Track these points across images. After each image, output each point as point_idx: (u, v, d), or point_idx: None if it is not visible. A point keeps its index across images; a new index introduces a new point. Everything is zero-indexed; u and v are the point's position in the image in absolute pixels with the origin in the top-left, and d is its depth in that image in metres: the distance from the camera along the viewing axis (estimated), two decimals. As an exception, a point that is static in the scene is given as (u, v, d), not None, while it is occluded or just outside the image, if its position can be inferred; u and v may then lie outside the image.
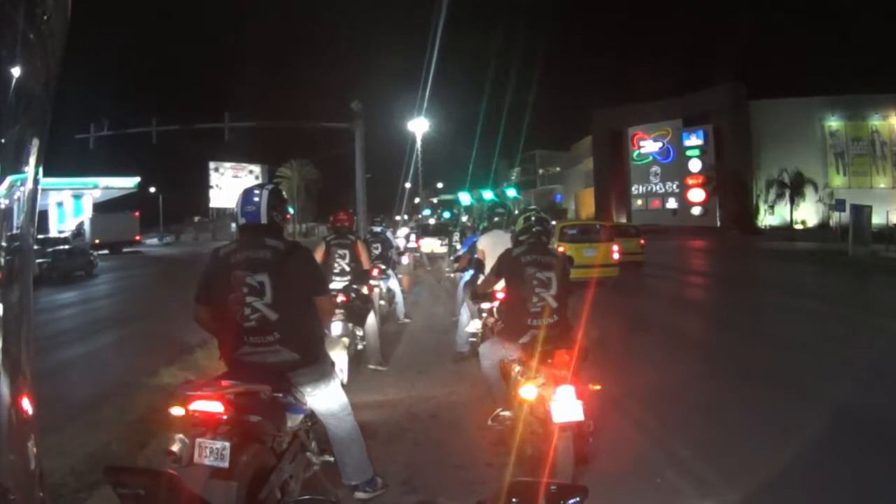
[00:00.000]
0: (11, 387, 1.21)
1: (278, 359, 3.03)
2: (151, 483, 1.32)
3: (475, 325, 6.73)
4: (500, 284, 4.66)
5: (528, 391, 3.68)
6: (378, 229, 10.78)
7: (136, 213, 44.17)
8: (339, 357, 3.95)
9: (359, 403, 4.45)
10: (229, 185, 73.56)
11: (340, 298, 6.02)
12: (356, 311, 6.45)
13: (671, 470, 4.09)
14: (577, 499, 1.21)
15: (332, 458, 3.43)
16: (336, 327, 5.87)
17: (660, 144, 59.14)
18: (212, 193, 73.37)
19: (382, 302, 9.55)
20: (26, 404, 1.21)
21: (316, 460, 3.45)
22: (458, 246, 14.94)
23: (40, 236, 45.30)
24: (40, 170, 1.39)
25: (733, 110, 50.39)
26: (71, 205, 47.69)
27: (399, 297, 9.91)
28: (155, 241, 60.86)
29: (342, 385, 3.57)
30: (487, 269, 5.42)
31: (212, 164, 72.43)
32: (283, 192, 3.39)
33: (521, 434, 3.86)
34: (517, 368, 4.10)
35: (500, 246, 5.28)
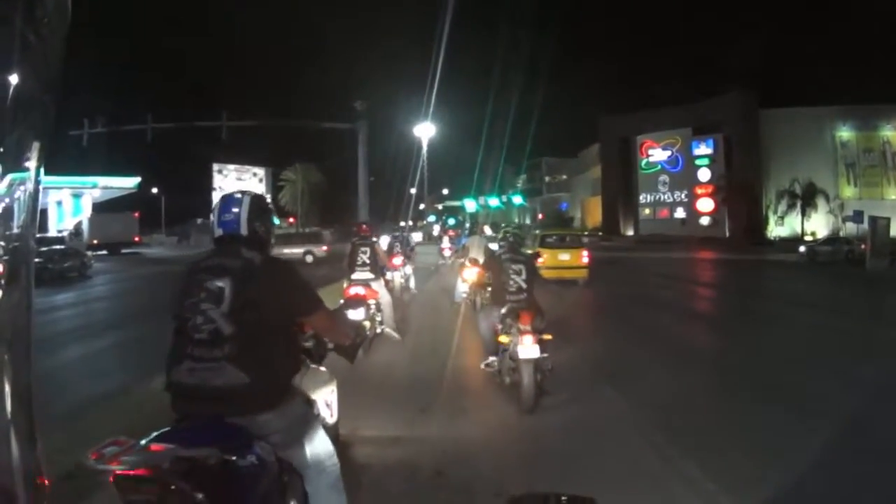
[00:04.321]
0: (13, 387, 1.28)
1: (222, 381, 2.29)
2: (164, 492, 1.32)
3: (463, 288, 12.08)
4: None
5: (505, 338, 5.97)
6: (400, 234, 16.03)
7: (137, 214, 43.59)
8: (325, 391, 3.26)
9: (381, 363, 7.33)
10: (232, 187, 72.46)
11: (362, 291, 8.18)
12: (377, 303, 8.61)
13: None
14: None
15: None
16: (358, 313, 7.20)
17: (669, 153, 58.57)
18: (214, 196, 70.68)
19: (402, 280, 13.49)
20: (28, 406, 1.28)
21: None
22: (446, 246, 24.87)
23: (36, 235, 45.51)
24: (41, 170, 1.49)
25: (744, 119, 49.88)
26: (70, 204, 47.19)
27: (412, 277, 14.65)
28: (163, 240, 60.20)
29: (330, 426, 2.97)
30: (473, 254, 12.06)
31: (215, 166, 71.48)
32: (268, 201, 2.94)
33: (501, 369, 6.00)
34: (500, 326, 6.17)
35: (477, 244, 12.91)
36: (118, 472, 1.86)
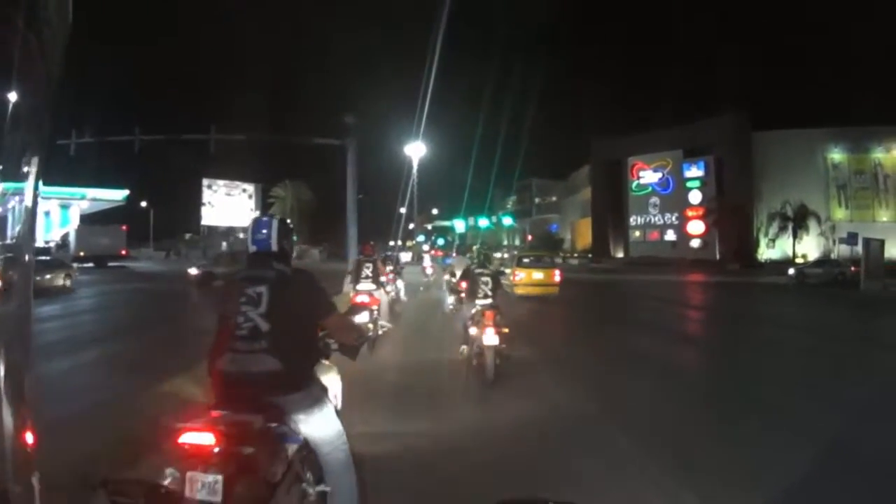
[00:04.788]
0: (12, 393, 1.34)
1: (261, 367, 2.92)
2: (150, 494, 1.38)
3: (451, 300, 14.08)
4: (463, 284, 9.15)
5: (474, 331, 7.82)
6: (391, 253, 20.59)
7: (125, 227, 43.00)
8: (333, 382, 3.83)
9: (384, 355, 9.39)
10: (222, 202, 73.07)
11: (366, 299, 10.14)
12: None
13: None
14: None
15: (328, 489, 3.25)
16: (363, 317, 7.54)
17: (659, 175, 58.77)
18: (204, 210, 72.41)
19: (393, 294, 14.54)
20: (26, 410, 1.33)
21: (312, 491, 3.24)
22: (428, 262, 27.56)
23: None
24: (40, 181, 1.51)
25: (735, 141, 50.12)
26: (58, 215, 46.59)
27: (403, 289, 16.20)
28: (151, 254, 59.44)
29: (337, 412, 3.47)
30: (458, 273, 12.36)
31: (205, 181, 71.61)
32: (289, 222, 3.56)
33: (469, 354, 7.97)
34: (470, 322, 8.09)
35: (460, 263, 15.92)
36: (185, 429, 2.47)
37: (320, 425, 3.18)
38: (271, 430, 2.88)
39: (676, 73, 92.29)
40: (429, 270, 25.59)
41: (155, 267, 44.19)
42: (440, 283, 20.38)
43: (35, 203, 1.49)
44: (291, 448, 3.06)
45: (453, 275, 14.89)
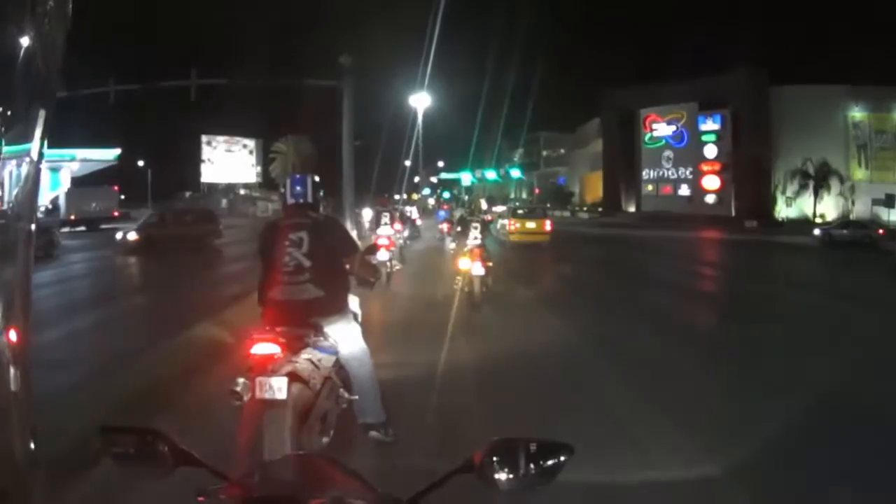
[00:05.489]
0: (14, 363, 1.41)
1: (307, 296, 3.68)
2: (140, 441, 1.37)
3: (451, 245, 16.29)
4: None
5: (464, 263, 9.88)
6: (402, 207, 24.50)
7: (117, 188, 41.73)
8: (355, 305, 4.35)
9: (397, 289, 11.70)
10: (222, 159, 71.59)
11: (385, 242, 12.33)
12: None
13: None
14: (562, 457, 1.29)
15: (356, 397, 3.88)
16: (383, 254, 11.50)
17: (673, 128, 56.63)
18: (203, 168, 71.49)
19: (400, 241, 16.33)
20: (26, 380, 1.41)
21: (345, 397, 3.82)
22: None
23: None
24: (45, 141, 1.54)
25: (753, 95, 48.07)
26: (48, 178, 43.74)
27: (410, 235, 20.09)
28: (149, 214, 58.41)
29: (358, 322, 4.36)
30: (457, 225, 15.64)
31: (204, 138, 70.16)
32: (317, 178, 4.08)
33: (463, 282, 10.05)
34: (463, 257, 10.11)
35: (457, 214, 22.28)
36: (258, 339, 3.30)
37: (351, 343, 3.91)
38: (318, 343, 3.62)
39: (692, 25, 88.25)
40: (445, 228, 23.49)
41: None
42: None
43: (39, 165, 1.53)
44: (331, 360, 3.72)
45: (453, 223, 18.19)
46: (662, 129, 57.64)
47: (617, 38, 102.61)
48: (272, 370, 3.19)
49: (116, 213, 39.92)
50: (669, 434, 4.44)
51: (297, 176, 4.01)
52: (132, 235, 22.05)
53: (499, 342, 7.64)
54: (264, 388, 3.08)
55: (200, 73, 19.74)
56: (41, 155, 1.58)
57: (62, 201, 37.70)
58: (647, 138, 59.06)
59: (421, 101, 33.82)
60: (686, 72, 52.81)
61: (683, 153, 55.48)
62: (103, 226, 36.47)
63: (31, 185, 1.59)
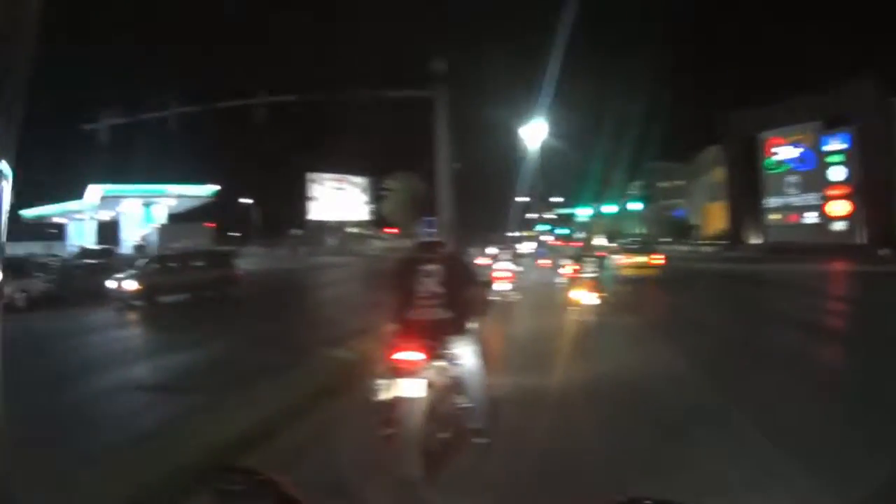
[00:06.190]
0: None
1: (438, 317, 4.53)
2: (246, 480, 1.40)
3: (561, 279, 16.51)
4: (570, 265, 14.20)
5: (578, 294, 11.92)
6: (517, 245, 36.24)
7: (212, 225, 41.18)
8: (473, 324, 4.97)
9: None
10: (330, 196, 72.36)
11: (507, 275, 14.78)
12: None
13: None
14: None
15: (472, 404, 4.66)
16: (502, 286, 13.65)
17: (797, 150, 51.66)
18: (311, 205, 71.65)
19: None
20: None
21: (463, 404, 4.67)
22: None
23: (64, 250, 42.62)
24: (4, 162, 1.38)
25: (884, 109, 42.66)
26: (141, 214, 45.74)
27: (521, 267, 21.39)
28: (256, 251, 59.17)
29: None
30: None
31: (311, 176, 70.54)
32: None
33: (578, 312, 11.57)
34: (578, 288, 11.96)
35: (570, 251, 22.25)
36: (404, 347, 4.25)
37: (471, 359, 4.66)
38: (447, 354, 4.47)
39: (812, 33, 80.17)
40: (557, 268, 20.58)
41: (252, 266, 42.72)
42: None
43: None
44: (454, 372, 4.55)
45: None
46: (786, 152, 52.76)
47: (728, 59, 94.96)
48: (412, 374, 4.09)
49: None
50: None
51: (428, 218, 5.15)
52: (130, 284, 18.53)
53: (608, 366, 8.08)
54: (406, 387, 4.02)
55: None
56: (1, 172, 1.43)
57: (153, 238, 38.14)
58: (769, 163, 54.28)
59: (534, 133, 30.72)
60: (808, 87, 48.17)
61: (808, 177, 50.27)
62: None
63: None
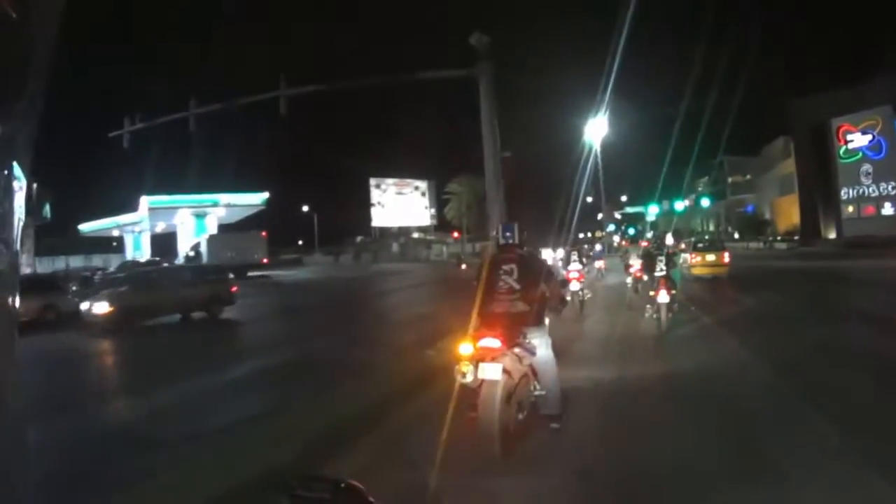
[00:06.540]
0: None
1: (515, 310, 5.03)
2: (328, 488, 1.38)
3: (629, 279, 17.88)
4: (638, 264, 16.07)
5: (652, 293, 11.28)
6: (585, 246, 30.68)
7: (264, 234, 39.92)
8: (546, 319, 5.62)
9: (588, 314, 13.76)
10: (393, 202, 70.95)
11: (577, 275, 14.65)
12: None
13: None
14: None
15: (544, 392, 5.12)
16: (575, 285, 13.91)
17: (869, 137, 48.36)
18: (373, 211, 70.17)
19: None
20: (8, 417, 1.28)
21: (535, 391, 5.12)
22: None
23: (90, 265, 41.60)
24: (14, 168, 1.31)
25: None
26: (192, 224, 44.61)
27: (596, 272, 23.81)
28: (319, 259, 57.32)
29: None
30: (631, 259, 18.13)
31: (372, 181, 69.48)
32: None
33: (651, 311, 11.28)
34: (651, 289, 11.55)
35: (633, 255, 18.77)
36: (484, 334, 4.71)
37: (544, 349, 5.15)
38: (523, 344, 4.98)
39: (873, 17, 73.73)
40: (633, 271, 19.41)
41: (314, 274, 41.39)
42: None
43: (11, 191, 1.28)
44: (529, 360, 5.03)
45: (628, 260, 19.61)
46: (858, 140, 49.50)
47: (794, 43, 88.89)
48: (492, 359, 4.55)
49: (265, 260, 38.53)
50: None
51: (507, 224, 5.73)
52: (101, 307, 15.93)
53: (681, 364, 8.39)
54: (486, 371, 4.47)
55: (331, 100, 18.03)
56: (12, 175, 1.32)
57: (204, 248, 36.93)
58: (842, 152, 51.00)
59: (599, 130, 29.35)
60: (873, 69, 44.89)
61: (883, 165, 47.06)
62: (250, 273, 34.56)
63: (6, 211, 1.29)
